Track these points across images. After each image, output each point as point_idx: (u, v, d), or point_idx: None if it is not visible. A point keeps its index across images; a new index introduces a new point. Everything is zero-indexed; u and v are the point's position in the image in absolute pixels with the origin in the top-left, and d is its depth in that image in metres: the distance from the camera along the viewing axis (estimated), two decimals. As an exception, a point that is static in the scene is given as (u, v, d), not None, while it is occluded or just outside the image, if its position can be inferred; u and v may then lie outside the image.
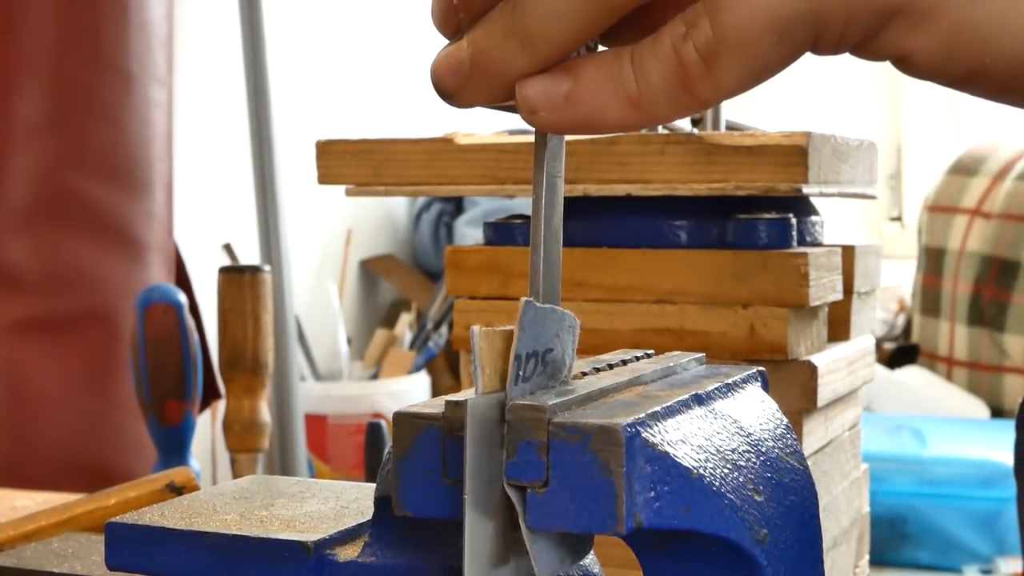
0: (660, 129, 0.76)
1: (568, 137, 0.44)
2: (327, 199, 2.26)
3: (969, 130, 3.25)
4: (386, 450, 0.42)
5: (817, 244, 0.79)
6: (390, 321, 2.43)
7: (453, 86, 0.42)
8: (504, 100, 0.42)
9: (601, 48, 0.43)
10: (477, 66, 0.41)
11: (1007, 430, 1.54)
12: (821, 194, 0.74)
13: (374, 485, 0.45)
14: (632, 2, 0.40)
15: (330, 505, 0.49)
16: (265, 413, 1.09)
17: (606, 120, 0.41)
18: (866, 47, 0.40)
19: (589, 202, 0.76)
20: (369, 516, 0.45)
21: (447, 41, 0.42)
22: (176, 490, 0.76)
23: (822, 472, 0.76)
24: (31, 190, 1.41)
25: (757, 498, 0.41)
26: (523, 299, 0.39)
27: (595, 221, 0.76)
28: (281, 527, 0.46)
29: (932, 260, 2.13)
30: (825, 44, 0.40)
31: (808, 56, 0.42)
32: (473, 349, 0.39)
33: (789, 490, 0.43)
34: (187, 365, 1.05)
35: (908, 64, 0.41)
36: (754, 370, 0.49)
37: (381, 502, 0.44)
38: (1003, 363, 1.98)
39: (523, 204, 1.13)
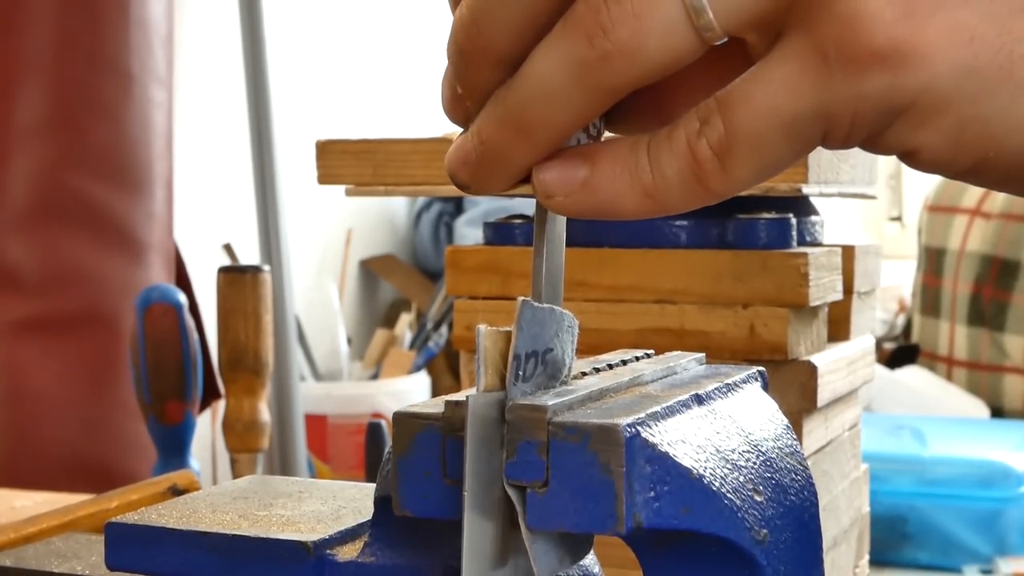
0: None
1: None
2: (327, 199, 2.26)
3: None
4: (386, 450, 0.42)
5: (817, 244, 0.79)
6: (390, 321, 2.43)
7: (465, 179, 0.42)
8: (520, 187, 0.42)
9: (608, 134, 0.43)
10: (482, 157, 0.41)
11: (1007, 430, 1.54)
12: (821, 194, 0.74)
13: (374, 485, 0.45)
14: (626, 86, 0.39)
15: (330, 505, 0.49)
16: (265, 413, 1.09)
17: (622, 208, 0.41)
18: (874, 142, 0.41)
19: (589, 202, 0.75)
20: (369, 516, 0.45)
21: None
22: (178, 493, 0.76)
23: (822, 472, 0.76)
24: (31, 190, 1.41)
25: (757, 498, 0.41)
26: (520, 299, 0.39)
27: (595, 221, 0.76)
28: (281, 527, 0.46)
29: (932, 260, 2.13)
30: (833, 140, 0.40)
31: None
32: (477, 348, 0.39)
33: (789, 490, 0.43)
34: (187, 365, 1.05)
35: (915, 159, 0.41)
36: (754, 370, 0.49)
37: (381, 502, 0.44)
38: (1003, 363, 1.98)
39: (523, 204, 1.13)
